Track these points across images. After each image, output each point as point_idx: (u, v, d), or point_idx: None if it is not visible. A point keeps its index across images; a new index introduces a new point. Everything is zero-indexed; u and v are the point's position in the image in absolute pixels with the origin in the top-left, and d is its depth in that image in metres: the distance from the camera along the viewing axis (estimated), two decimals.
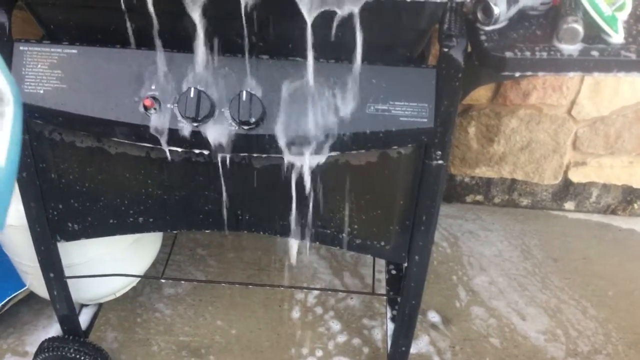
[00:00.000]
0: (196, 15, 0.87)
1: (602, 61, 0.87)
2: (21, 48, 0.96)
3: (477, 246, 1.79)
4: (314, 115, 0.95)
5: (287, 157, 1.00)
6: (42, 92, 0.96)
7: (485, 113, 1.71)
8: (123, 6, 0.89)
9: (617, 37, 0.89)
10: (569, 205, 1.92)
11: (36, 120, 1.01)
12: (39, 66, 0.96)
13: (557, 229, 1.87)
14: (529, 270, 1.72)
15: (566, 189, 1.88)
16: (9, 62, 0.95)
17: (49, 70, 0.96)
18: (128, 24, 0.94)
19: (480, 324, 1.56)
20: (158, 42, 0.95)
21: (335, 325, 1.54)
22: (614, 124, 1.71)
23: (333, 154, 1.00)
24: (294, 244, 1.21)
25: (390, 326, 1.41)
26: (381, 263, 1.63)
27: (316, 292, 1.61)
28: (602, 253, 1.78)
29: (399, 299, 1.26)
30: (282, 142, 0.96)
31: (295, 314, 1.57)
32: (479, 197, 1.92)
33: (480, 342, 1.52)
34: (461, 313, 1.59)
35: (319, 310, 1.57)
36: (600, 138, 1.75)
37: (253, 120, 0.93)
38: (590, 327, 1.57)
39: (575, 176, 1.84)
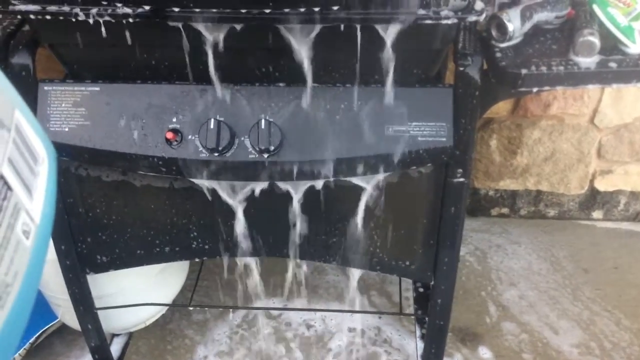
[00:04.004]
0: (213, 48, 0.89)
1: (621, 72, 0.87)
2: (45, 88, 0.99)
3: (505, 260, 1.77)
4: (332, 140, 0.95)
5: (308, 183, 1.01)
6: (67, 129, 0.98)
7: (506, 125, 1.70)
8: (135, 44, 0.91)
9: (634, 47, 0.88)
10: (597, 214, 1.89)
11: (62, 157, 1.03)
12: (63, 105, 0.98)
13: (586, 239, 1.84)
14: (559, 282, 1.69)
15: (593, 198, 1.85)
16: (34, 102, 0.98)
17: (73, 108, 0.98)
18: (147, 61, 0.96)
19: (512, 340, 1.54)
20: (176, 76, 0.97)
21: (365, 345, 1.53)
22: (639, 131, 1.69)
23: (353, 177, 1.00)
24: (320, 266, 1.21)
25: (420, 345, 1.40)
26: (408, 281, 1.62)
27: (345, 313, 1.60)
28: (633, 262, 1.75)
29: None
30: (301, 168, 0.97)
31: (325, 335, 1.56)
32: (505, 210, 1.90)
33: (513, 359, 1.49)
34: (492, 329, 1.57)
35: (348, 329, 1.57)
36: (625, 145, 1.72)
37: (272, 147, 0.94)
38: (625, 338, 1.53)
39: (602, 185, 1.82)
